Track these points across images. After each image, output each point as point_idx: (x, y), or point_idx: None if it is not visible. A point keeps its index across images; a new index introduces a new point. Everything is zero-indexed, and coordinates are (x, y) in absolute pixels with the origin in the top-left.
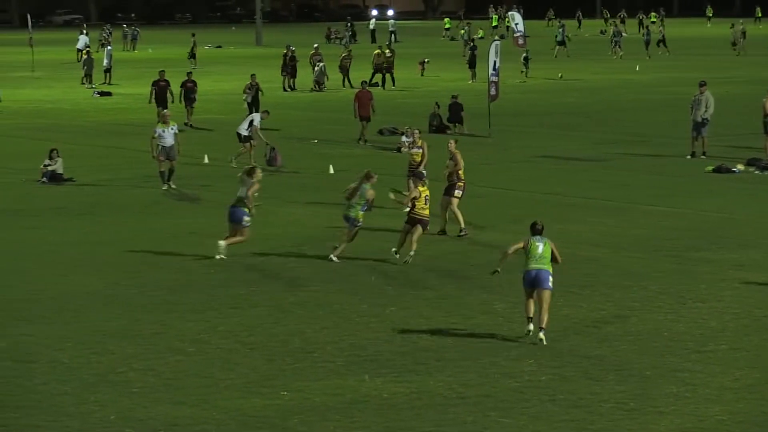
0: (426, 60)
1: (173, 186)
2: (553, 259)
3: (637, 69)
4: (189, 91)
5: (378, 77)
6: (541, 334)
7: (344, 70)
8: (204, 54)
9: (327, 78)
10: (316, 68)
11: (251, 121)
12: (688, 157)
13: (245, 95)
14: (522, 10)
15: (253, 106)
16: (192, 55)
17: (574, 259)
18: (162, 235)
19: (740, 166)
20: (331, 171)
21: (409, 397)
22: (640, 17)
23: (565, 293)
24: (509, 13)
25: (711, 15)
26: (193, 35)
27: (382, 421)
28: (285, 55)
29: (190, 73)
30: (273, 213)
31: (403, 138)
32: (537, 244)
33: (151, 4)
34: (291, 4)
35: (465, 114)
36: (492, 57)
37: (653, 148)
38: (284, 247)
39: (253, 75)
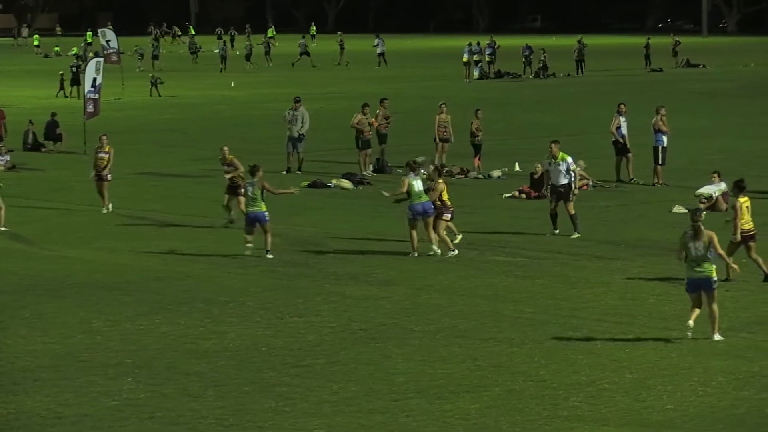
0: (61, 72)
1: None
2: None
3: (233, 85)
4: None
5: None
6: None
7: None
8: None
9: None
10: None
11: None
12: (284, 172)
13: None
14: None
15: None
16: None
17: (172, 276)
18: None
19: (335, 181)
20: None
21: (7, 417)
22: (247, 32)
23: (162, 310)
24: (101, 30)
25: (314, 33)
26: None
27: None
28: None
29: None
30: None
31: None
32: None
33: None
34: None
35: (62, 131)
36: (91, 74)
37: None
38: None
39: None
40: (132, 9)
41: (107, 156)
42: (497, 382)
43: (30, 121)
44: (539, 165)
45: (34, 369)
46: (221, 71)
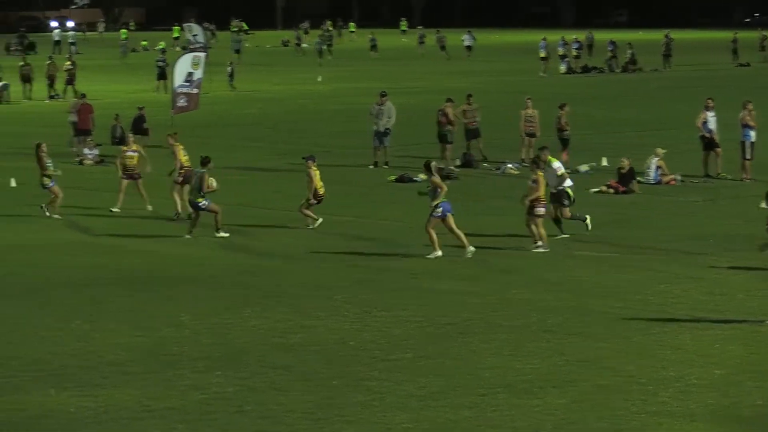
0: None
1: None
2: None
3: (319, 80)
4: None
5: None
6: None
7: (26, 80)
8: None
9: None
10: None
11: None
12: (371, 167)
13: (71, 114)
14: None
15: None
16: None
17: (258, 270)
18: None
19: (422, 176)
20: (13, 184)
21: (96, 411)
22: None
23: (250, 304)
24: (186, 24)
25: (405, 28)
26: None
27: None
28: None
29: None
30: None
31: (86, 150)
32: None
33: None
34: None
35: (148, 126)
36: (186, 68)
37: (336, 159)
38: None
39: (83, 94)
40: (217, 3)
41: (136, 155)
42: (585, 377)
43: (116, 115)
44: (625, 159)
45: (123, 362)
46: (320, 65)
